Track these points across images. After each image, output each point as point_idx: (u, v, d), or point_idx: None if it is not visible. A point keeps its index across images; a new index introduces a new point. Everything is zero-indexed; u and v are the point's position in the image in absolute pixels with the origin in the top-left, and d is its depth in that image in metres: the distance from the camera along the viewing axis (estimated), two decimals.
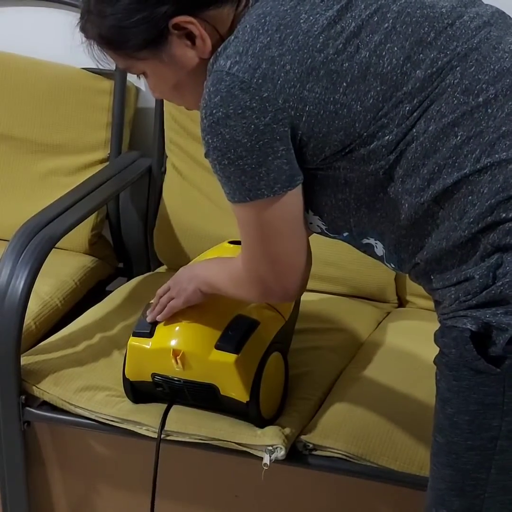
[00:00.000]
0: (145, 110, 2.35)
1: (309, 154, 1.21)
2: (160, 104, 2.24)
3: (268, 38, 1.17)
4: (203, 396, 1.64)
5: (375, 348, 1.94)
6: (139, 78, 1.35)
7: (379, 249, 1.31)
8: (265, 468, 1.60)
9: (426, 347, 1.88)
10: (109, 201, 2.29)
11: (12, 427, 1.80)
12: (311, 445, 1.65)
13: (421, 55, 1.18)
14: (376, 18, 1.19)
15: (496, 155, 1.15)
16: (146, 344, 1.62)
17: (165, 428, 1.67)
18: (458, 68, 1.18)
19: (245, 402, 1.60)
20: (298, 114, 1.17)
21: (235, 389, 1.59)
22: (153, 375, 1.64)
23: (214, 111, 1.18)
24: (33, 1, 2.34)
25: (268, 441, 1.61)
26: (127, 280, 2.23)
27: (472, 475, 1.22)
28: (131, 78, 2.29)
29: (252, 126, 1.17)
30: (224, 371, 1.58)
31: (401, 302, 2.18)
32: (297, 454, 1.66)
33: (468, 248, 1.18)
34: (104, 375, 1.78)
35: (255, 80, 1.16)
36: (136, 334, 1.64)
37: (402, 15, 1.20)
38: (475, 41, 1.19)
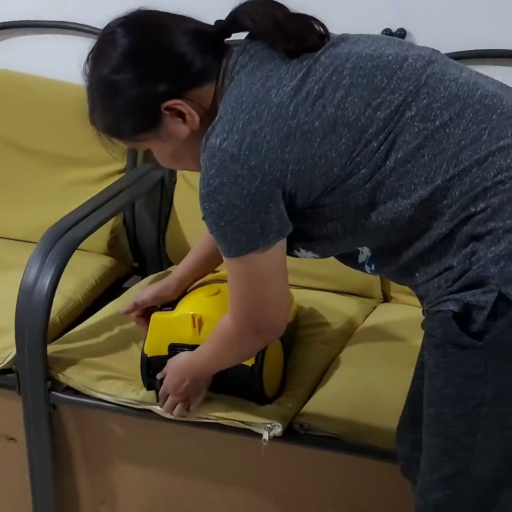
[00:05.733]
0: None
1: (298, 203, 1.25)
2: None
3: (247, 116, 1.21)
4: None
5: (362, 339, 1.95)
6: (146, 152, 1.40)
7: (363, 256, 1.35)
8: (264, 443, 1.60)
9: (408, 337, 1.91)
10: (125, 207, 2.29)
11: (40, 409, 1.80)
12: (306, 425, 1.66)
13: (379, 99, 1.21)
14: (334, 78, 1.22)
15: (461, 164, 1.18)
16: (169, 315, 1.65)
17: None
18: (413, 103, 1.21)
19: (250, 365, 1.60)
20: (283, 174, 1.21)
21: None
22: (171, 346, 1.64)
23: (210, 182, 1.23)
24: (56, 29, 2.34)
25: (268, 419, 1.62)
26: (142, 278, 2.23)
27: (461, 441, 1.24)
28: None
29: (245, 190, 1.21)
30: None
31: (386, 298, 2.18)
32: (293, 433, 1.66)
33: (446, 242, 1.21)
34: (122, 364, 1.78)
35: (242, 152, 1.20)
36: (160, 309, 1.68)
37: (356, 70, 1.23)
38: (423, 78, 1.23)
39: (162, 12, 1.32)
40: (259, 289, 1.31)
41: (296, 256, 1.36)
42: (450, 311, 1.18)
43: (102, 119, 1.34)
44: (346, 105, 1.20)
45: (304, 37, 1.26)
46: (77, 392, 1.77)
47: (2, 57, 2.39)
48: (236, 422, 1.64)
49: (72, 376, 1.77)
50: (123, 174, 2.29)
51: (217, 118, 1.25)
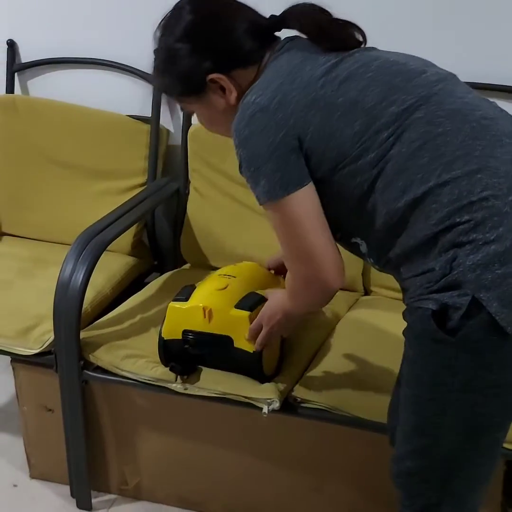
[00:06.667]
0: (174, 146, 2.32)
1: (310, 168, 1.22)
2: (185, 142, 2.22)
3: (282, 79, 1.22)
4: (220, 349, 1.62)
5: (347, 326, 1.93)
6: (192, 115, 1.42)
7: (363, 247, 1.30)
8: (264, 416, 1.59)
9: (387, 324, 1.89)
10: (146, 215, 2.28)
11: (73, 385, 1.78)
12: (299, 399, 1.64)
13: (394, 96, 1.20)
14: (361, 70, 1.22)
15: (453, 172, 1.15)
16: (182, 305, 1.62)
17: (190, 384, 1.65)
18: (422, 106, 1.19)
19: (252, 351, 1.58)
20: (303, 132, 1.20)
21: (244, 342, 1.58)
22: (184, 332, 1.62)
23: (241, 131, 1.21)
24: (91, 64, 2.32)
25: (267, 395, 1.60)
26: (160, 274, 2.21)
27: (431, 420, 1.22)
28: (163, 122, 2.28)
29: (270, 140, 1.19)
30: (239, 324, 1.57)
31: (367, 291, 2.16)
32: (289, 406, 1.64)
33: (430, 244, 1.17)
34: (143, 347, 1.76)
35: (272, 106, 1.19)
36: (175, 300, 1.65)
37: (381, 68, 1.23)
38: (435, 89, 1.21)
39: None
40: (296, 241, 1.24)
41: None
42: (429, 310, 1.15)
43: (160, 80, 1.37)
44: (367, 93, 1.20)
45: (343, 41, 1.26)
46: (105, 370, 1.75)
47: (46, 88, 2.40)
48: (240, 397, 1.62)
49: (101, 357, 1.75)
50: (145, 186, 2.27)
51: (256, 82, 1.25)
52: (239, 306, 1.59)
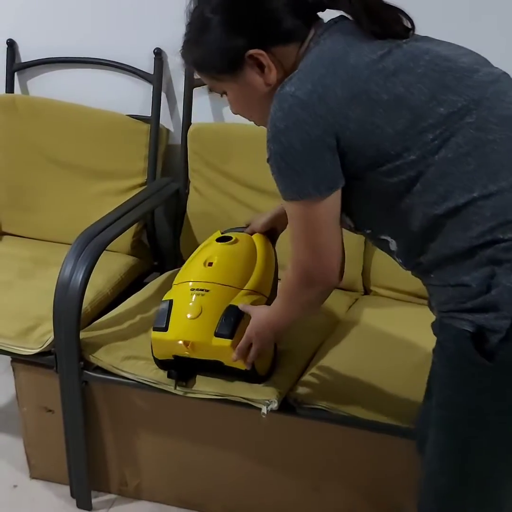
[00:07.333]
0: (173, 146, 2.33)
1: (346, 165, 1.17)
2: (185, 141, 2.23)
3: (325, 70, 1.15)
4: (212, 368, 1.63)
5: (346, 326, 1.93)
6: (222, 96, 1.31)
7: (393, 245, 1.26)
8: (263, 416, 1.59)
9: (386, 324, 1.90)
10: (146, 215, 2.28)
11: (74, 385, 1.78)
12: (298, 400, 1.64)
13: (444, 96, 1.13)
14: (411, 64, 1.15)
15: (499, 183, 1.11)
16: (164, 336, 1.59)
17: (188, 388, 1.65)
18: (474, 111, 1.13)
19: (244, 369, 1.59)
20: (342, 129, 1.13)
21: (234, 362, 1.57)
22: (174, 355, 1.63)
23: (277, 124, 1.14)
24: (91, 64, 2.32)
25: (266, 396, 1.61)
26: (160, 274, 2.21)
27: (466, 441, 1.18)
28: (163, 122, 2.29)
29: (307, 136, 1.13)
30: (224, 352, 1.56)
31: (366, 291, 2.16)
32: (287, 406, 1.64)
33: (466, 256, 1.13)
34: (143, 347, 1.76)
35: (312, 101, 1.13)
36: (155, 329, 1.62)
37: (431, 64, 1.15)
38: (488, 92, 1.15)
39: None
40: (312, 236, 1.21)
41: None
42: (466, 332, 1.11)
43: (192, 53, 1.27)
44: (415, 91, 1.13)
45: (389, 25, 1.18)
46: (105, 371, 1.75)
47: (46, 88, 2.40)
48: (240, 398, 1.63)
49: (101, 357, 1.75)
50: (145, 186, 2.27)
51: (296, 71, 1.17)
52: (219, 333, 1.55)
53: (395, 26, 1.19)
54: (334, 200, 1.19)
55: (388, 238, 1.26)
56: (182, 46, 1.28)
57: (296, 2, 1.21)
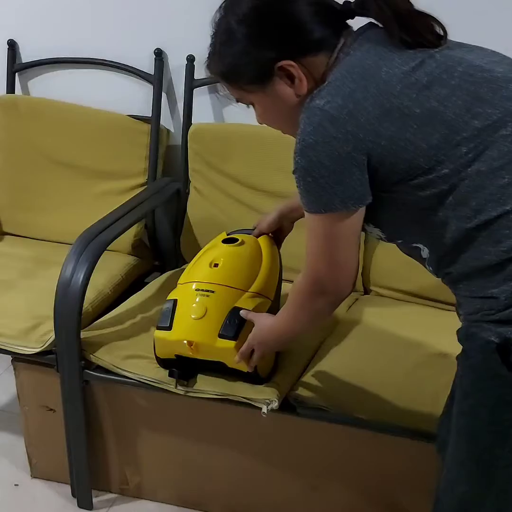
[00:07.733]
0: (174, 146, 2.33)
1: (377, 180, 1.15)
2: (185, 142, 2.23)
3: (355, 85, 1.12)
4: (215, 368, 1.64)
5: (347, 326, 1.93)
6: (248, 107, 1.29)
7: (425, 253, 1.24)
8: (263, 416, 1.60)
9: (386, 324, 1.90)
10: (147, 215, 2.28)
11: (74, 385, 1.79)
12: (299, 399, 1.65)
13: (479, 109, 1.11)
14: (445, 76, 1.13)
15: None
16: (167, 336, 1.59)
17: (189, 387, 1.66)
18: (509, 123, 1.11)
19: (246, 371, 1.59)
20: (373, 146, 1.11)
21: (237, 364, 1.58)
22: (176, 355, 1.63)
23: (306, 138, 1.12)
24: (91, 64, 2.33)
25: (266, 396, 1.61)
26: (161, 274, 2.22)
27: (489, 450, 1.17)
28: (164, 122, 2.29)
29: (336, 152, 1.11)
30: (227, 353, 1.57)
31: (366, 291, 2.16)
32: (288, 406, 1.65)
33: (495, 269, 1.12)
34: (144, 347, 1.76)
35: (342, 116, 1.10)
36: (159, 328, 1.62)
37: (466, 75, 1.13)
38: None
39: None
40: (332, 249, 1.20)
41: (364, 230, 1.25)
42: (492, 343, 1.10)
43: (219, 65, 1.24)
44: (449, 104, 1.10)
45: (421, 33, 1.15)
46: (106, 370, 1.76)
47: (47, 88, 2.40)
48: (240, 397, 1.63)
49: (102, 357, 1.76)
50: (145, 186, 2.28)
51: (326, 83, 1.15)
52: (223, 335, 1.56)
53: (427, 34, 1.16)
54: (359, 216, 1.18)
55: (420, 246, 1.24)
56: (208, 57, 1.26)
57: (325, 11, 1.19)
